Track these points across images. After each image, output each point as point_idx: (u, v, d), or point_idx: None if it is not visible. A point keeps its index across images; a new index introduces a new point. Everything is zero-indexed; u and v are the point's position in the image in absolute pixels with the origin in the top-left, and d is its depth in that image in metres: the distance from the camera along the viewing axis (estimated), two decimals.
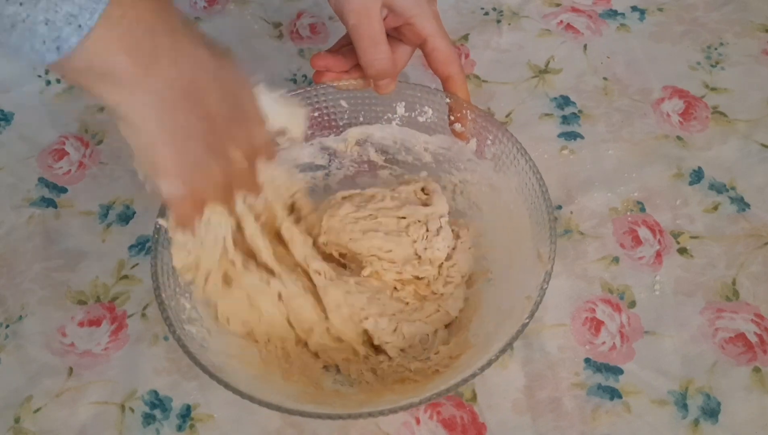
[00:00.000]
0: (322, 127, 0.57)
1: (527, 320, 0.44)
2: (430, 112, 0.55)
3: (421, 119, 0.56)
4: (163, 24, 0.37)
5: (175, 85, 0.38)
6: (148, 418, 0.50)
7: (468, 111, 0.54)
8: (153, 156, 0.40)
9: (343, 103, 0.56)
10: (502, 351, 0.43)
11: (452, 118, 0.55)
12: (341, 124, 0.57)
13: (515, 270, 0.50)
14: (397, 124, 0.57)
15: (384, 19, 0.52)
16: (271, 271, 0.49)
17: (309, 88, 0.56)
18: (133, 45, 0.36)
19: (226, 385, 0.42)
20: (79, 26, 0.33)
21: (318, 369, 0.51)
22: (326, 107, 0.57)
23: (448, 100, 0.54)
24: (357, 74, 0.55)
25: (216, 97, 0.41)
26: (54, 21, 0.33)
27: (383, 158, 0.58)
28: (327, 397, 0.48)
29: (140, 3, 0.36)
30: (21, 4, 0.32)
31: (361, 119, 0.57)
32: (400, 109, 0.56)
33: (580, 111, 0.66)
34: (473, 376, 0.42)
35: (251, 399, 0.42)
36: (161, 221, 0.47)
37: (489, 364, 0.42)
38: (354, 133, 0.58)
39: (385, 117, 0.57)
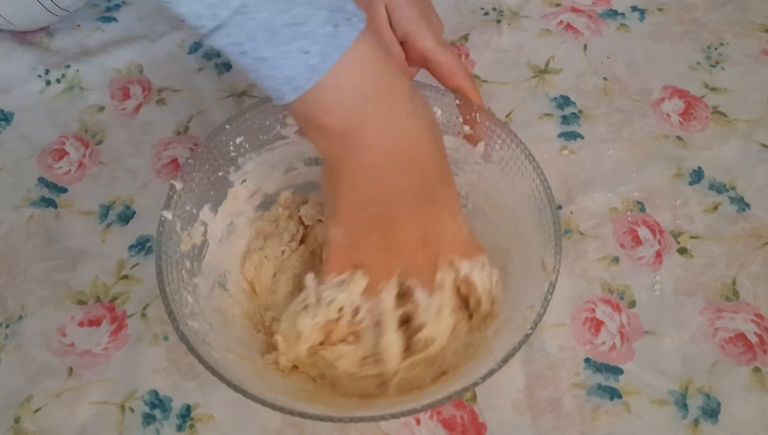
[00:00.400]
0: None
1: (530, 331, 0.43)
2: (439, 112, 0.55)
3: None
4: (379, 93, 0.39)
5: (375, 152, 0.40)
6: (148, 418, 0.50)
7: (477, 114, 0.53)
8: (336, 200, 0.43)
9: None
10: (504, 361, 0.42)
11: (461, 119, 0.54)
12: None
13: (518, 278, 0.50)
14: None
15: None
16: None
17: None
18: (342, 110, 0.38)
19: (229, 383, 0.42)
20: (297, 88, 0.36)
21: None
22: None
23: (457, 102, 0.54)
24: None
25: (416, 173, 0.42)
26: (276, 78, 0.36)
27: None
28: (325, 397, 0.48)
29: (358, 72, 0.38)
30: (250, 57, 0.36)
31: None
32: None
33: (580, 111, 0.66)
34: (475, 384, 0.42)
35: (254, 398, 0.41)
36: (165, 214, 0.48)
37: (491, 373, 0.42)
38: None
39: None
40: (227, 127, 0.53)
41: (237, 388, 0.42)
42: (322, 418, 0.42)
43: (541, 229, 0.48)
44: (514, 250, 0.51)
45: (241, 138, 0.54)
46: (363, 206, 0.43)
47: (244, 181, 0.55)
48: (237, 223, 0.55)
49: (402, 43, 0.53)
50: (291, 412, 0.41)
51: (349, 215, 0.43)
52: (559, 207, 0.59)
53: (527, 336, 0.43)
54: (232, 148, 0.54)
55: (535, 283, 0.46)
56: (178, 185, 0.50)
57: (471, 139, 0.55)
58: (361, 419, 0.44)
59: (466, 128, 0.54)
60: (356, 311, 0.46)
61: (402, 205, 0.43)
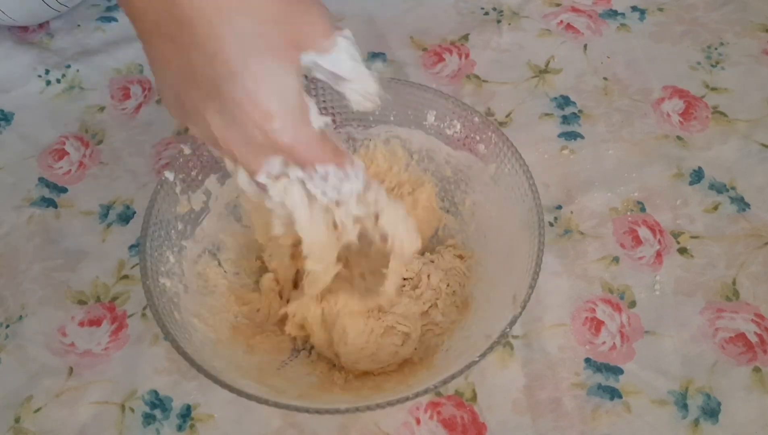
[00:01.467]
0: (352, 118, 0.57)
1: (477, 358, 0.43)
2: (459, 126, 0.55)
3: (449, 132, 0.55)
4: None
5: (144, 20, 0.34)
6: (148, 418, 0.50)
7: (494, 134, 0.53)
8: (154, 76, 0.37)
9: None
10: (443, 382, 0.42)
11: (477, 138, 0.54)
12: (371, 118, 0.57)
13: (490, 305, 0.50)
14: (424, 132, 0.56)
15: None
16: None
17: None
18: None
19: (184, 354, 0.43)
20: None
21: (286, 350, 0.51)
22: None
23: (476, 119, 0.54)
24: None
25: (190, 47, 0.33)
26: None
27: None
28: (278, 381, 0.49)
29: None
30: None
31: (392, 118, 0.57)
32: (431, 117, 0.55)
33: (580, 111, 0.66)
34: (426, 391, 0.42)
35: (194, 364, 0.42)
36: (167, 174, 0.49)
37: (430, 389, 0.43)
38: (382, 130, 0.57)
39: (415, 122, 0.56)
40: None
41: (193, 362, 0.43)
42: (296, 408, 0.42)
43: (524, 265, 0.48)
44: (497, 279, 0.51)
45: None
46: (165, 87, 0.36)
47: None
48: (241, 202, 0.55)
49: None
50: (253, 398, 0.42)
51: (164, 92, 0.37)
52: (559, 207, 0.59)
53: (473, 363, 0.43)
54: None
55: (502, 314, 0.46)
56: (187, 150, 0.51)
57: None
58: (347, 410, 0.43)
59: (481, 147, 0.54)
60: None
61: (198, 96, 0.35)
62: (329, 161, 0.39)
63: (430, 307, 0.53)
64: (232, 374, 0.45)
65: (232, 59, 0.33)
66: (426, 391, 0.42)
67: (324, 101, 0.56)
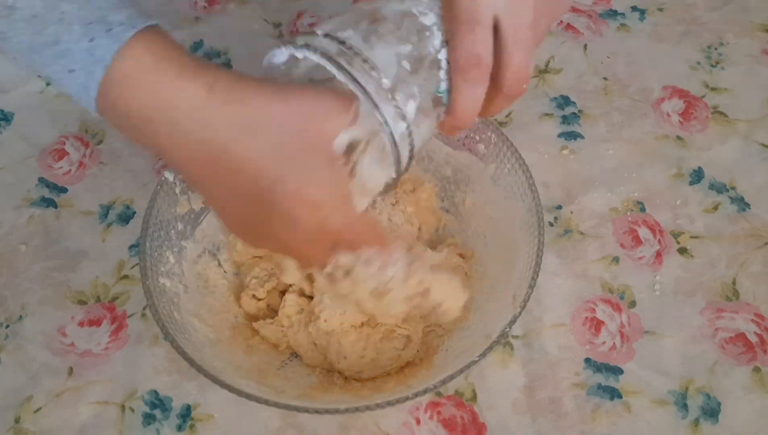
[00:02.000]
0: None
1: (477, 358, 0.43)
2: None
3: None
4: (157, 111, 0.35)
5: (190, 166, 0.36)
6: (148, 418, 0.50)
7: (493, 134, 0.53)
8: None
9: None
10: (442, 382, 0.43)
11: (477, 138, 0.54)
12: None
13: (490, 306, 0.50)
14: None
15: None
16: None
17: None
18: (131, 130, 0.35)
19: (184, 354, 0.43)
20: (86, 104, 0.34)
21: (286, 350, 0.52)
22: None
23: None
24: None
25: (239, 180, 0.36)
26: (67, 94, 0.34)
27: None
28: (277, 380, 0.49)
29: (127, 89, 0.34)
30: (43, 76, 0.34)
31: None
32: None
33: (580, 111, 0.66)
34: (426, 391, 0.43)
35: (190, 361, 0.43)
36: (167, 175, 0.50)
37: (430, 388, 0.43)
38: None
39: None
40: None
41: (191, 360, 0.43)
42: (279, 405, 0.43)
43: (524, 264, 0.48)
44: (497, 279, 0.52)
45: None
46: (221, 214, 0.40)
47: None
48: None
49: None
50: (244, 395, 0.42)
51: (232, 228, 0.41)
52: (559, 207, 0.59)
53: (473, 362, 0.43)
54: None
55: (501, 314, 0.46)
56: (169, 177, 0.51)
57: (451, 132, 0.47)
58: (346, 410, 0.44)
59: (481, 147, 0.54)
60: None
61: (251, 213, 0.38)
62: (374, 242, 0.41)
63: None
64: (232, 374, 0.46)
65: (269, 169, 0.36)
66: (426, 391, 0.42)
67: None
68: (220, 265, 0.54)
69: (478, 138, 0.54)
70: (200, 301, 0.51)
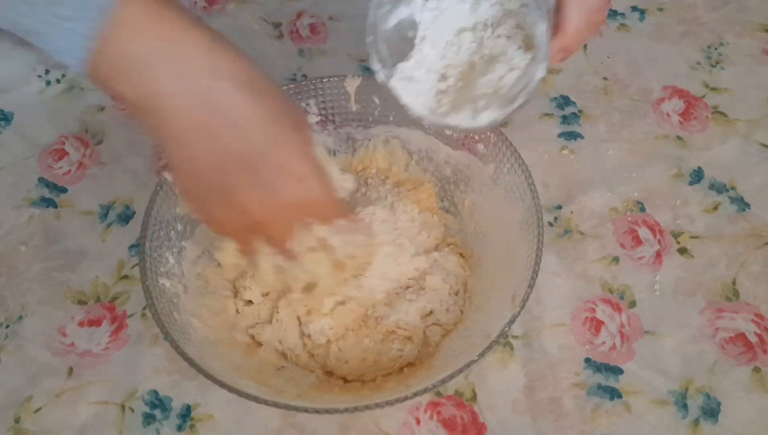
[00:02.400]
0: (351, 118, 0.57)
1: (476, 357, 0.43)
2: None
3: (448, 131, 0.54)
4: (163, 56, 0.35)
5: (181, 120, 0.36)
6: (148, 418, 0.50)
7: (492, 134, 0.53)
8: (175, 178, 0.40)
9: (376, 99, 0.56)
10: (442, 381, 0.42)
11: (476, 137, 0.54)
12: (370, 118, 0.57)
13: (489, 306, 0.50)
14: (423, 131, 0.56)
15: None
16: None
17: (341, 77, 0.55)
18: (129, 78, 0.34)
19: (183, 354, 0.43)
20: (76, 59, 0.33)
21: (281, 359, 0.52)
22: (362, 99, 0.56)
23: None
24: None
25: (237, 140, 0.37)
26: (52, 50, 0.33)
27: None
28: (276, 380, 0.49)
29: (133, 35, 0.34)
30: (24, 31, 0.33)
31: (391, 118, 0.57)
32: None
33: (580, 111, 0.66)
34: (425, 390, 0.43)
35: (191, 363, 0.43)
36: (167, 175, 0.49)
37: (429, 388, 0.43)
38: (381, 130, 0.57)
39: (414, 121, 0.56)
40: None
41: (189, 360, 0.43)
42: (277, 405, 0.43)
43: (523, 263, 0.48)
44: (496, 278, 0.52)
45: None
46: (195, 181, 0.39)
47: None
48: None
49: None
50: (246, 396, 0.42)
51: (189, 191, 0.40)
52: (559, 207, 0.59)
53: (472, 362, 0.43)
54: None
55: (500, 313, 0.46)
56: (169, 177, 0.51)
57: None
58: (345, 410, 0.44)
59: (480, 146, 0.54)
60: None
61: (231, 177, 0.38)
62: (344, 216, 0.44)
63: (430, 312, 0.52)
64: (232, 374, 0.45)
65: (265, 132, 0.37)
66: (425, 391, 0.42)
67: (323, 102, 0.56)
68: (219, 265, 0.54)
69: (477, 138, 0.54)
70: (200, 302, 0.51)
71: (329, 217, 0.43)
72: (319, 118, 0.57)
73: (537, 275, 0.46)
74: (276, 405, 0.42)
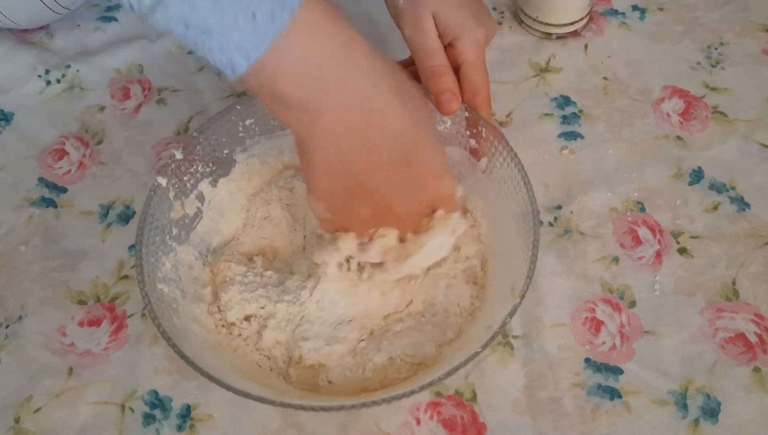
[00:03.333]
0: None
1: (480, 350, 0.43)
2: (449, 122, 0.55)
3: (439, 127, 0.55)
4: (333, 57, 0.37)
5: (338, 120, 0.39)
6: (148, 418, 0.50)
7: (483, 128, 0.53)
8: (308, 175, 0.42)
9: None
10: (448, 374, 0.42)
11: (469, 132, 0.54)
12: None
13: (488, 298, 0.51)
14: None
15: None
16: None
17: None
18: (298, 76, 0.37)
19: (183, 356, 0.43)
20: (248, 56, 0.35)
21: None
22: None
23: (467, 114, 0.54)
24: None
25: (386, 141, 0.40)
26: (226, 48, 0.35)
27: None
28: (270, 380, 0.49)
29: (311, 36, 0.36)
30: (196, 30, 0.34)
31: None
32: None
33: (580, 111, 0.66)
34: (431, 383, 0.42)
35: (202, 372, 0.43)
36: (160, 180, 0.50)
37: (430, 384, 0.42)
38: None
39: None
40: (238, 107, 0.54)
41: (192, 363, 0.43)
42: (274, 403, 0.43)
43: (520, 255, 0.48)
44: (493, 271, 0.52)
45: (251, 120, 0.55)
46: (336, 179, 0.41)
47: (250, 161, 0.56)
48: (235, 200, 0.56)
49: (446, 46, 0.53)
50: (241, 393, 0.42)
51: (325, 189, 0.43)
52: (559, 207, 0.59)
53: (476, 353, 0.43)
54: (240, 128, 0.55)
55: (500, 305, 0.46)
56: (179, 155, 0.51)
57: (475, 154, 0.54)
58: (347, 407, 0.44)
59: (472, 141, 0.54)
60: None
61: (377, 175, 0.41)
62: (464, 212, 0.49)
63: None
64: (232, 375, 0.45)
65: (413, 131, 0.41)
66: (431, 384, 0.42)
67: None
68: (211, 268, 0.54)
69: (469, 133, 0.54)
70: (198, 306, 0.50)
71: (452, 209, 0.47)
72: None
73: (535, 266, 0.46)
74: (277, 404, 0.42)
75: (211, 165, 0.54)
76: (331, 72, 0.37)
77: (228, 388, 0.42)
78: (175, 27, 0.34)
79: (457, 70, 0.53)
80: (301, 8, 0.35)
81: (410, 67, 0.55)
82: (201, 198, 0.54)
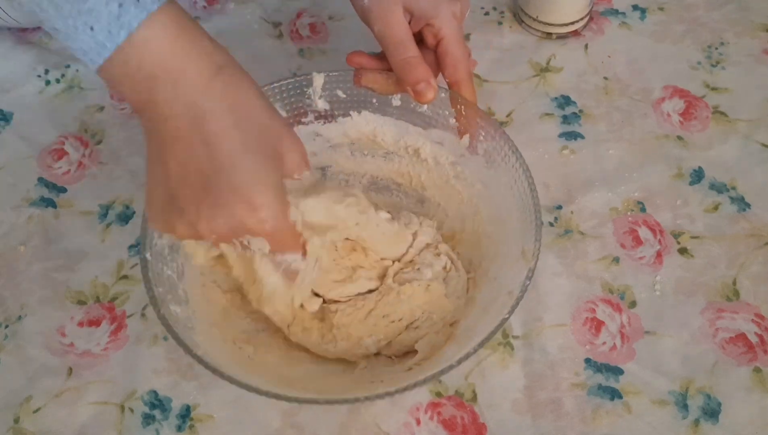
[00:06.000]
0: (318, 116, 0.57)
1: (507, 315, 0.43)
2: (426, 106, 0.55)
3: (419, 110, 0.55)
4: (166, 73, 0.38)
5: (164, 129, 0.39)
6: (148, 419, 0.50)
7: (462, 106, 0.54)
8: (147, 187, 0.42)
9: (340, 93, 0.56)
10: (480, 345, 0.43)
11: (447, 112, 0.54)
12: (337, 113, 0.57)
13: (499, 266, 0.51)
14: (393, 117, 0.56)
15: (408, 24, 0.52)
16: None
17: (301, 77, 0.55)
18: (132, 85, 0.38)
19: (196, 358, 0.43)
20: (91, 60, 0.37)
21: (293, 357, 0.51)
22: (327, 96, 0.56)
23: (442, 94, 0.53)
24: (396, 81, 0.54)
25: (197, 156, 0.40)
26: (73, 48, 0.37)
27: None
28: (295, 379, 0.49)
29: (146, 52, 0.37)
30: (49, 28, 0.36)
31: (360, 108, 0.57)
32: (395, 101, 0.56)
33: (580, 111, 0.66)
34: (450, 367, 0.42)
35: (230, 380, 0.42)
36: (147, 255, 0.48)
37: (466, 356, 0.42)
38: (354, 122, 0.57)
39: (382, 107, 0.56)
40: None
41: (206, 366, 0.42)
42: (318, 401, 0.43)
43: (523, 219, 0.49)
44: (497, 240, 0.52)
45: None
46: (158, 185, 0.41)
47: None
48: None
49: (423, 28, 0.53)
50: (255, 390, 0.42)
51: (149, 193, 0.42)
52: (560, 207, 0.59)
53: (504, 320, 0.43)
54: None
55: (515, 271, 0.47)
56: None
57: (458, 132, 0.55)
58: (349, 400, 0.44)
59: (452, 120, 0.54)
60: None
61: (192, 187, 0.40)
62: (296, 251, 0.45)
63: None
64: (238, 371, 0.45)
65: (230, 154, 0.39)
66: (450, 368, 0.42)
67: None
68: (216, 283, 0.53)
69: (447, 112, 0.54)
70: (208, 322, 0.49)
71: (278, 249, 0.44)
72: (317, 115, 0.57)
73: (541, 230, 0.47)
74: (281, 398, 0.42)
75: None
76: (161, 84, 0.38)
77: (237, 383, 0.42)
78: (34, 23, 0.37)
79: (436, 48, 0.54)
80: (142, 27, 0.37)
81: (384, 62, 0.54)
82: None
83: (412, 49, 0.52)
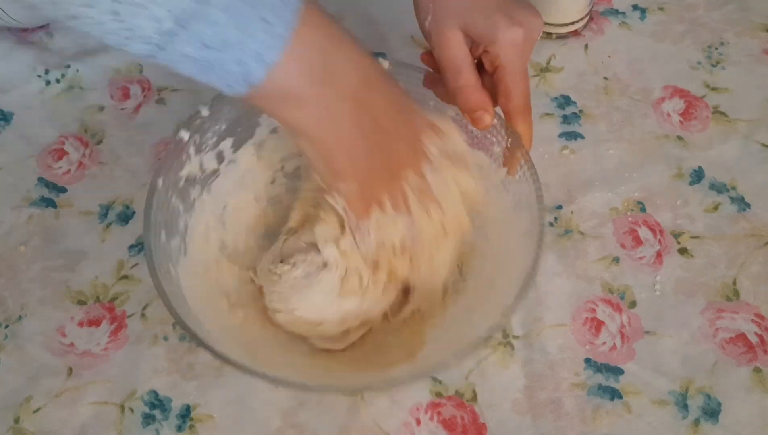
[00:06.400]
0: None
1: (512, 301, 0.43)
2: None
3: (470, 127, 0.53)
4: (332, 42, 0.40)
5: (347, 97, 0.41)
6: (148, 419, 0.50)
7: (510, 139, 0.51)
8: (332, 163, 0.44)
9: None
10: (479, 344, 0.43)
11: (494, 139, 0.53)
12: None
13: (500, 265, 0.50)
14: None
15: (470, 49, 0.51)
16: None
17: None
18: (306, 68, 0.38)
19: (200, 342, 0.42)
20: (267, 63, 0.36)
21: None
22: None
23: (495, 121, 0.51)
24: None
25: (382, 101, 0.43)
26: (243, 60, 0.36)
27: None
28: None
29: (316, 28, 0.38)
30: (214, 49, 0.35)
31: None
32: (451, 111, 0.54)
33: (580, 110, 0.66)
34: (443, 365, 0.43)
35: (226, 360, 0.42)
36: (183, 133, 0.50)
37: (464, 354, 0.43)
38: None
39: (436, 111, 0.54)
40: None
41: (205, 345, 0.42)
42: (328, 389, 0.44)
43: (528, 218, 0.48)
44: (500, 238, 0.52)
45: None
46: (358, 150, 0.43)
47: (274, 130, 0.55)
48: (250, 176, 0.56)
49: (482, 54, 0.51)
50: (259, 375, 0.42)
51: (353, 163, 0.44)
52: (560, 207, 0.59)
53: (508, 309, 0.43)
54: None
55: (517, 269, 0.46)
56: (205, 112, 0.51)
57: (502, 161, 0.53)
58: (354, 391, 0.45)
59: (497, 148, 0.53)
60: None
61: (387, 129, 0.44)
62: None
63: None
64: (246, 358, 0.45)
65: (398, 91, 0.45)
66: (464, 355, 0.43)
67: None
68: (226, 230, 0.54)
69: (494, 140, 0.53)
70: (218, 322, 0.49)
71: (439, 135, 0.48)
72: None
73: (543, 230, 0.47)
74: (289, 384, 0.42)
75: (236, 125, 0.54)
76: (334, 56, 0.40)
77: (247, 370, 0.42)
78: (192, 52, 0.35)
79: (493, 74, 0.51)
80: (302, 6, 0.37)
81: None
82: (220, 157, 0.53)
83: (466, 77, 0.50)
